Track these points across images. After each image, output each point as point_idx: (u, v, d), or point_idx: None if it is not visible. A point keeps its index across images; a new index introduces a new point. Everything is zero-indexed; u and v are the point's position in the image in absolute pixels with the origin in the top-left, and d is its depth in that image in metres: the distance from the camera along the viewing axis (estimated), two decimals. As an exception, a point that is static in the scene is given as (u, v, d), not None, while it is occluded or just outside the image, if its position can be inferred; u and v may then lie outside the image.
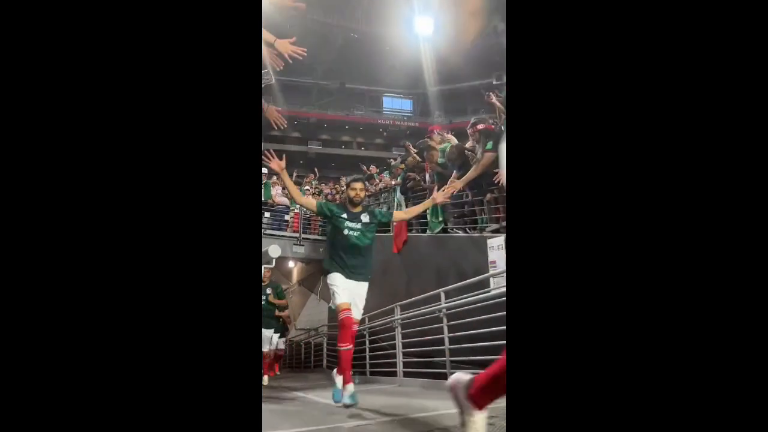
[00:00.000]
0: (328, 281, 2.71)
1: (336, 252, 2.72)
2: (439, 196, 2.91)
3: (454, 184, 3.99)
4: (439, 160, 4.83)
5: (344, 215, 2.69)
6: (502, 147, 1.06)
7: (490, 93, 4.26)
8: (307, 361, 9.06)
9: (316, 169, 11.16)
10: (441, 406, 2.37)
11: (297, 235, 8.06)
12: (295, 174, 9.75)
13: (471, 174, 3.99)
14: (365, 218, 2.72)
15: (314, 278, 9.38)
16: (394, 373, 4.42)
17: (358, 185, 2.77)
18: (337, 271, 2.69)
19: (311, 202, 2.89)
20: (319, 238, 8.43)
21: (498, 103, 4.15)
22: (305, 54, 1.59)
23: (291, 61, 1.62)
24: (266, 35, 1.52)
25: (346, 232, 2.66)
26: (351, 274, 2.69)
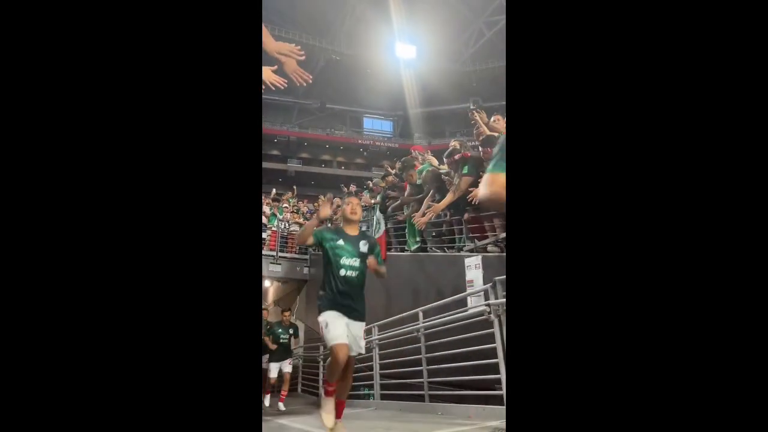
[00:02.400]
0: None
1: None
2: (418, 221, 2.83)
3: (435, 208, 4.03)
4: (418, 181, 4.90)
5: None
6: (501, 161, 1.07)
7: (474, 110, 4.33)
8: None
9: (294, 187, 11.10)
10: (419, 429, 2.31)
11: (274, 253, 7.91)
12: (273, 192, 9.66)
13: (449, 198, 4.04)
14: (363, 247, 2.30)
15: (291, 298, 9.18)
16: (371, 396, 4.31)
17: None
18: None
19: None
20: (297, 256, 8.30)
21: (480, 120, 4.24)
22: (286, 84, 1.59)
23: (273, 89, 1.62)
24: (276, 57, 1.51)
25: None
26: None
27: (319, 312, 2.21)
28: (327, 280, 2.24)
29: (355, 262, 2.23)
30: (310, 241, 2.26)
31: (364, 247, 2.27)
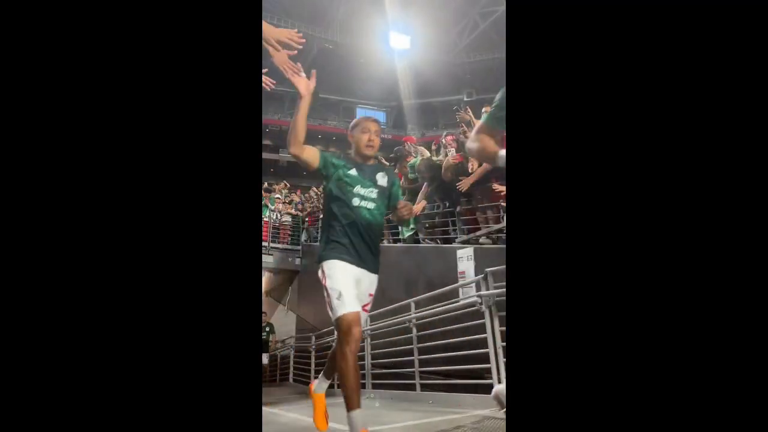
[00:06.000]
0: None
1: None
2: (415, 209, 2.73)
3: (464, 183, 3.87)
4: (410, 175, 4.89)
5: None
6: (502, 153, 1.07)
7: (462, 108, 4.39)
8: (273, 374, 8.80)
9: (285, 182, 11.02)
10: (410, 417, 2.35)
11: (265, 244, 7.88)
12: (265, 183, 9.58)
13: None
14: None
15: (282, 289, 9.17)
16: (362, 385, 4.35)
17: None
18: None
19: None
20: (289, 247, 8.27)
21: (469, 117, 4.28)
22: (274, 85, 1.57)
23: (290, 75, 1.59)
24: (273, 44, 1.48)
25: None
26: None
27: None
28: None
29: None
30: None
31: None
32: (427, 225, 4.74)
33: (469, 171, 3.89)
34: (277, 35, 1.48)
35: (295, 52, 1.53)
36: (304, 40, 1.54)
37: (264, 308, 7.23)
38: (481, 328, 2.76)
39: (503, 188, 3.29)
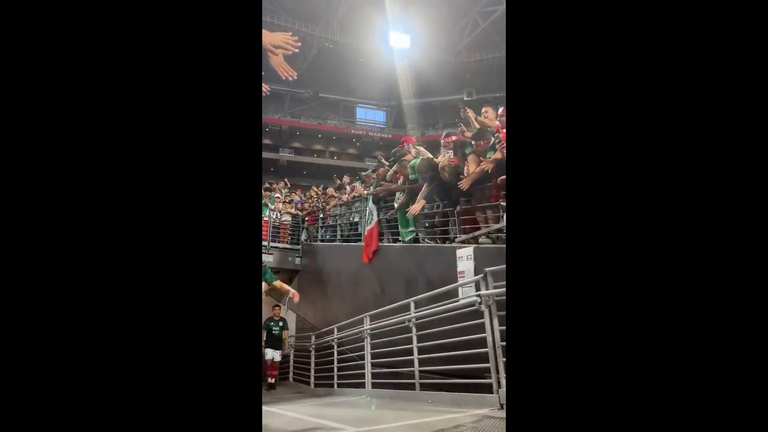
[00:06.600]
0: None
1: None
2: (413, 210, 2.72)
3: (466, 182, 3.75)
4: (411, 176, 4.88)
5: None
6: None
7: (462, 108, 4.41)
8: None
9: (286, 180, 11.01)
10: (409, 417, 2.36)
11: (265, 243, 7.87)
12: (265, 183, 9.58)
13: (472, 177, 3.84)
14: None
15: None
16: (362, 385, 4.36)
17: None
18: None
19: None
20: (288, 247, 8.27)
21: (472, 116, 4.29)
22: (269, 92, 1.57)
23: (285, 77, 1.59)
24: (270, 49, 1.47)
25: None
26: None
27: None
28: None
29: None
30: None
31: None
32: (427, 225, 4.74)
33: (465, 174, 3.89)
34: (272, 40, 1.47)
35: (297, 51, 1.52)
36: (299, 44, 1.54)
37: (264, 308, 7.12)
38: (481, 328, 2.75)
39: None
